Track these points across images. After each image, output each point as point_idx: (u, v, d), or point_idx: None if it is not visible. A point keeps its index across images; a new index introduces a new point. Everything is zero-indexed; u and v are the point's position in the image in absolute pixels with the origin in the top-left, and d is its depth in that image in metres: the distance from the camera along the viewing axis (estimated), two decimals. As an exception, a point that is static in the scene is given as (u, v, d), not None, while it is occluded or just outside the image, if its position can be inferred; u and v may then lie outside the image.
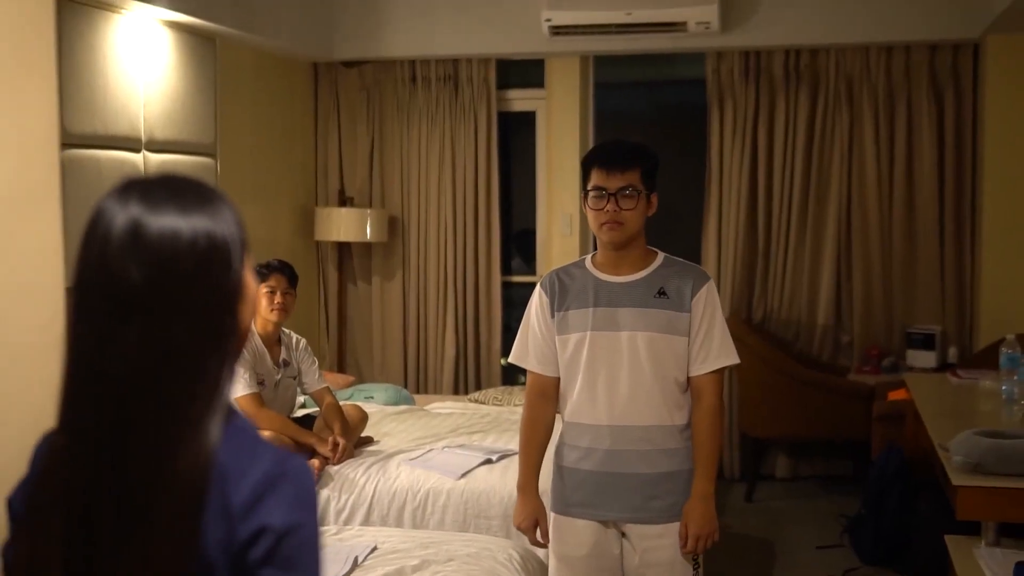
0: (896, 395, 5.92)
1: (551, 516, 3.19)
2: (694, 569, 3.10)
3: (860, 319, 6.82)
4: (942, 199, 6.70)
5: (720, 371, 3.09)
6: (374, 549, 3.64)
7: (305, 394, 5.20)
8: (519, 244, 7.64)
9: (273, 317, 4.85)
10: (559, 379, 3.16)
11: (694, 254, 7.05)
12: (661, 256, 3.16)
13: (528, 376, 3.21)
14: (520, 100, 7.44)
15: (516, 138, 7.56)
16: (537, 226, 7.40)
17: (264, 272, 4.87)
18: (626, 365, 3.05)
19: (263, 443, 1.38)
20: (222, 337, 1.36)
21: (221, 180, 6.07)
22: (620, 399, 3.06)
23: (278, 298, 4.84)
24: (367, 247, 7.47)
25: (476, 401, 6.39)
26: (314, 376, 5.03)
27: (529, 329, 3.19)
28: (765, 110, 6.86)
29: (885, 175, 6.76)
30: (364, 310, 7.56)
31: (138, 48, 5.35)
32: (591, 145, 7.16)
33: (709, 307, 3.07)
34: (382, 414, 5.75)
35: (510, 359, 3.27)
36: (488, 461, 4.75)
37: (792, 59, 6.83)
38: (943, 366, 6.36)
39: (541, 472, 3.22)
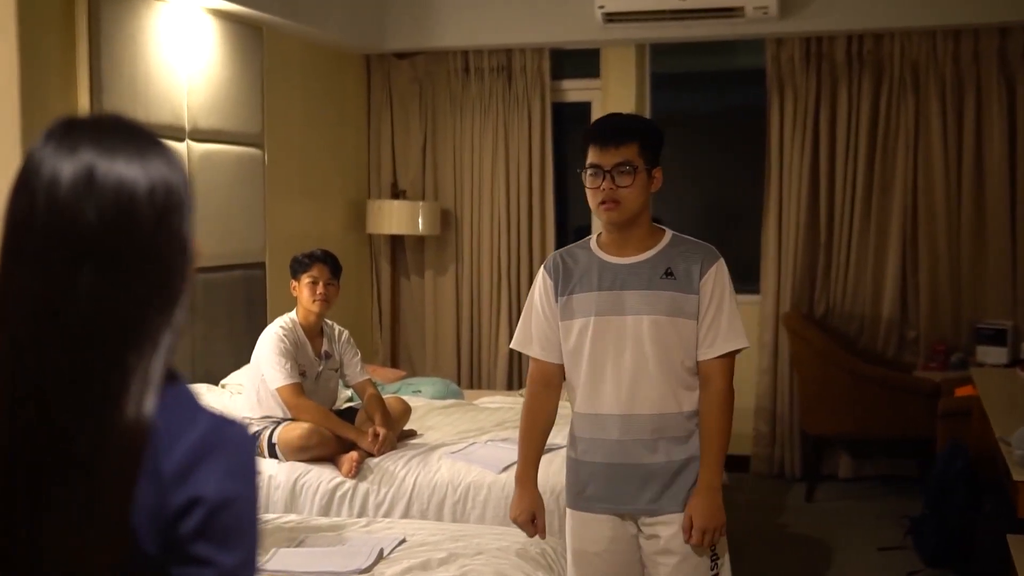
0: (962, 391, 5.69)
1: (567, 512, 3.05)
2: (712, 560, 2.93)
3: (926, 313, 6.57)
4: (1013, 189, 6.44)
5: (730, 355, 2.92)
6: (402, 541, 3.53)
7: (347, 386, 5.11)
8: (577, 240, 7.48)
9: (315, 308, 4.76)
10: (563, 366, 3.01)
11: (754, 248, 6.87)
12: (669, 235, 2.99)
13: (531, 363, 3.06)
14: (575, 91, 7.30)
15: (571, 130, 7.42)
16: (593, 223, 7.24)
17: (306, 262, 4.78)
18: (631, 351, 2.89)
19: (204, 410, 1.27)
20: (173, 293, 1.26)
21: (269, 172, 6.02)
22: (626, 387, 2.91)
23: (320, 289, 4.74)
24: (420, 241, 7.39)
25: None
26: (356, 368, 4.94)
27: (533, 313, 3.04)
28: (827, 99, 6.65)
29: (953, 164, 6.51)
30: (417, 304, 7.48)
31: (182, 36, 5.30)
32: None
33: (718, 288, 2.90)
34: (428, 408, 5.64)
35: (512, 344, 3.12)
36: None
37: (855, 45, 6.61)
38: (1014, 362, 6.10)
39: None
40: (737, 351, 2.93)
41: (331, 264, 4.81)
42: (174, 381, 1.27)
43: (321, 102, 6.86)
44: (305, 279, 4.76)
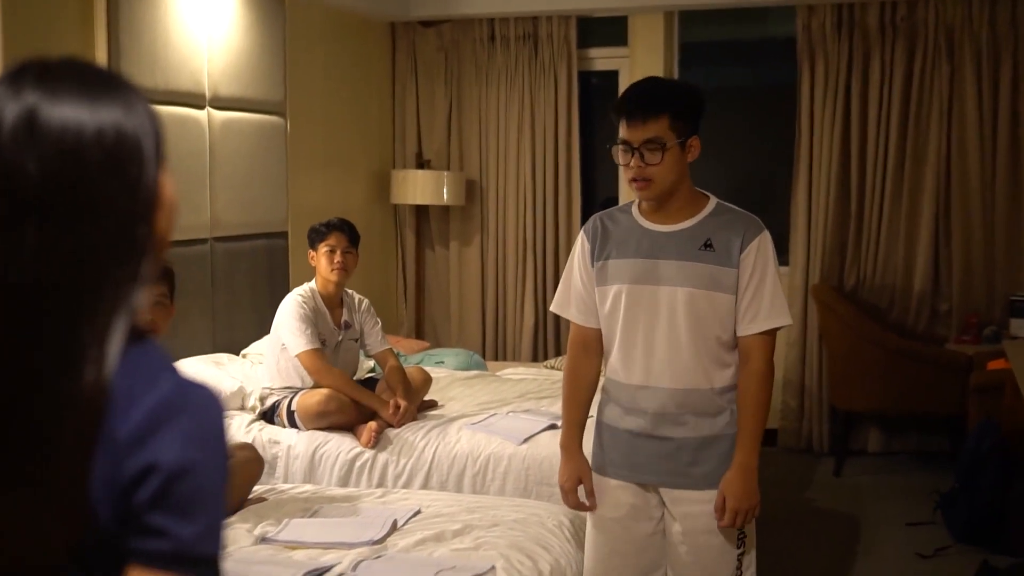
0: (995, 365, 5.58)
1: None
2: (739, 540, 2.85)
3: (959, 286, 6.44)
4: (1050, 159, 6.29)
5: (771, 333, 2.81)
6: (417, 512, 3.47)
7: (368, 356, 5.06)
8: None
9: (333, 277, 4.70)
10: (601, 331, 2.93)
11: (782, 220, 6.75)
12: (712, 202, 2.88)
13: (571, 328, 2.98)
14: (602, 59, 7.20)
15: (598, 99, 7.32)
16: (620, 194, 7.14)
17: (323, 231, 4.74)
18: (664, 323, 2.80)
19: (169, 371, 1.18)
20: (132, 246, 1.18)
21: (291, 140, 5.95)
22: (657, 359, 2.82)
23: (338, 257, 4.70)
24: (445, 211, 7.32)
25: (552, 367, 6.19)
26: (377, 338, 4.89)
27: (571, 277, 2.96)
28: (859, 66, 6.51)
29: (988, 133, 6.35)
30: (442, 276, 7.42)
31: (202, 2, 5.24)
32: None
33: (760, 262, 2.78)
34: (451, 379, 5.58)
35: (552, 307, 3.06)
36: (553, 426, 4.55)
37: (888, 11, 6.46)
38: (1049, 336, 5.97)
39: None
40: (778, 328, 2.83)
41: (349, 232, 4.75)
42: (141, 341, 1.20)
43: (345, 70, 6.79)
44: (323, 248, 4.72)
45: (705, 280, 2.78)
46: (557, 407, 4.92)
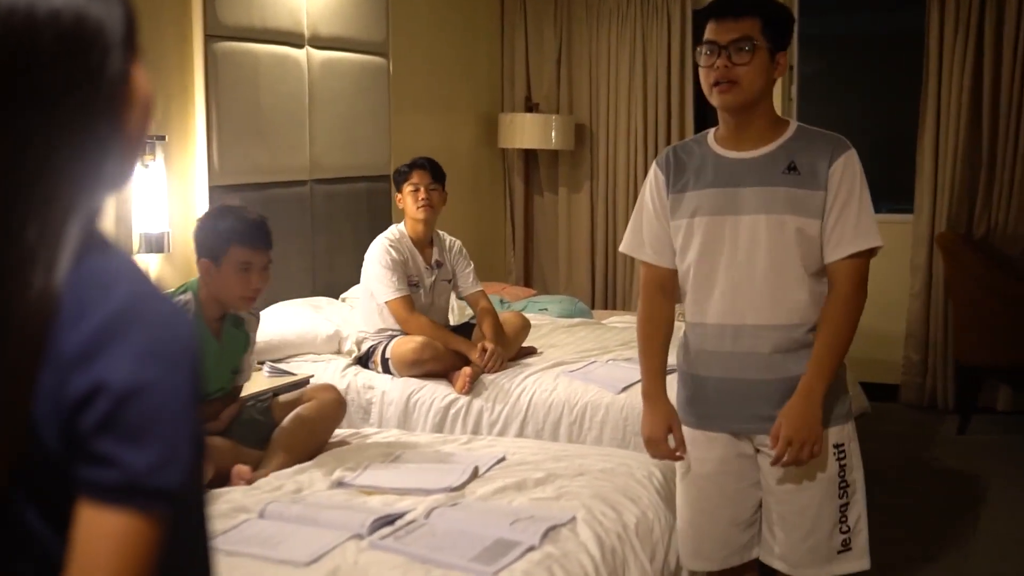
0: None
1: None
2: (841, 490, 2.63)
3: (1098, 235, 6.03)
4: None
5: (860, 256, 2.58)
6: (501, 460, 3.33)
7: (459, 298, 4.94)
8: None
9: (420, 215, 4.61)
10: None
11: (906, 166, 6.40)
12: (794, 126, 2.67)
13: (642, 268, 2.78)
14: (718, -3, 6.89)
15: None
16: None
17: (406, 170, 4.69)
18: (746, 255, 2.60)
19: (127, 281, 1.05)
20: (93, 142, 1.05)
21: (394, 82, 5.83)
22: (742, 294, 2.61)
23: (422, 194, 4.61)
24: (554, 156, 7.14)
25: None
26: (469, 279, 4.78)
27: (643, 214, 2.76)
28: (992, 10, 6.07)
29: None
30: (550, 222, 7.25)
31: (300, -62, 5.13)
32: (795, 42, 6.56)
33: (847, 181, 2.56)
34: (553, 326, 5.43)
35: (622, 248, 2.86)
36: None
37: (1026, -58, 6.03)
38: None
39: None
40: (869, 252, 2.60)
41: (432, 169, 4.67)
42: (101, 249, 1.06)
43: (451, 10, 6.64)
44: (407, 188, 4.65)
45: (790, 205, 2.57)
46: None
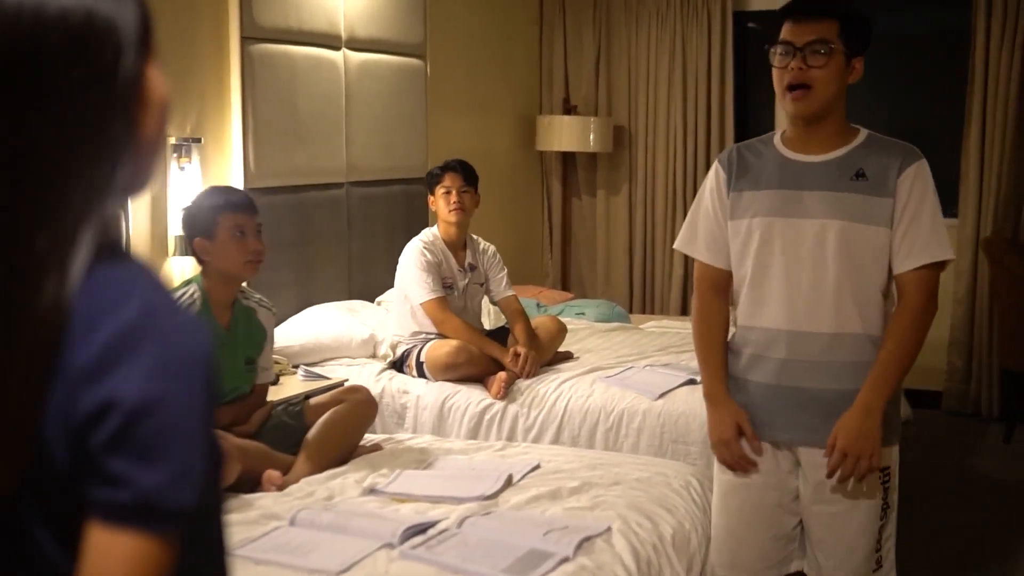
0: None
1: None
2: (882, 511, 2.56)
3: None
4: None
5: (930, 268, 2.51)
6: (536, 467, 3.29)
7: (492, 303, 4.91)
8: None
9: (452, 218, 4.58)
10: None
11: (950, 169, 6.29)
12: (864, 133, 2.60)
13: (696, 267, 2.71)
14: (759, -1, 6.83)
15: (754, 42, 6.95)
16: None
17: (438, 173, 4.67)
18: (807, 260, 2.53)
19: (142, 293, 1.01)
20: (105, 144, 1.01)
21: (432, 84, 5.80)
22: (800, 300, 2.54)
23: (454, 197, 4.58)
24: (592, 158, 7.08)
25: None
26: (501, 284, 4.75)
27: (701, 210, 2.69)
28: (1041, 4, 5.98)
29: None
30: (588, 225, 7.20)
31: (337, -60, 5.11)
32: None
33: (917, 190, 2.49)
34: (590, 330, 5.38)
35: (675, 245, 2.79)
36: (691, 381, 4.29)
37: (1075, -60, 5.91)
38: None
39: None
40: (940, 264, 2.53)
41: (464, 171, 4.64)
42: (116, 258, 1.03)
43: (489, 12, 6.60)
44: (439, 190, 4.62)
45: (858, 212, 2.50)
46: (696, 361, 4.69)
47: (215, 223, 3.28)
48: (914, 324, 2.50)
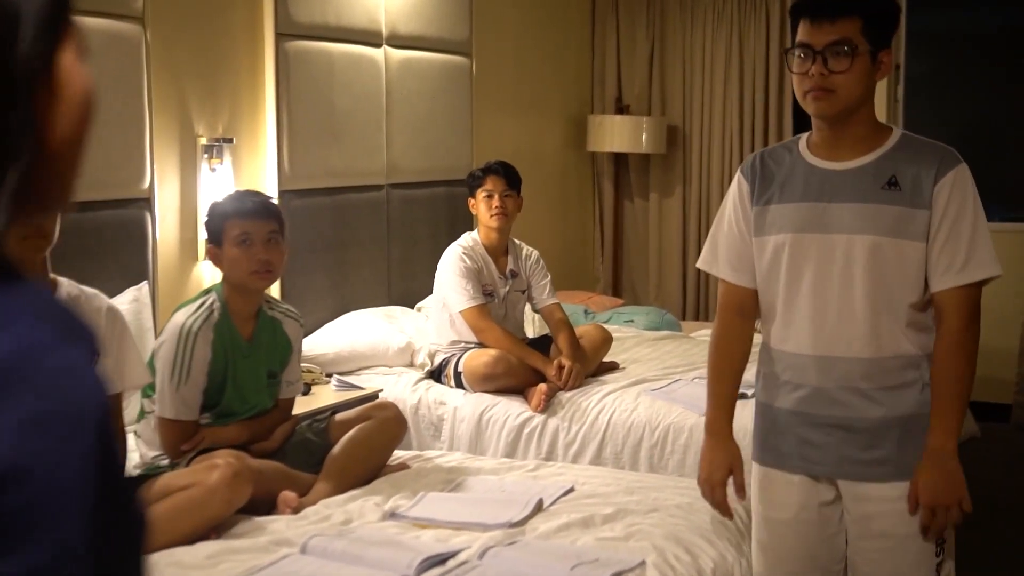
0: None
1: (752, 467, 2.52)
2: (938, 546, 2.33)
3: None
4: None
5: (972, 287, 2.29)
6: (569, 491, 3.08)
7: (534, 310, 4.71)
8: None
9: (494, 223, 4.40)
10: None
11: (1020, 171, 6.00)
12: (897, 134, 2.37)
13: (720, 286, 2.51)
14: (820, -7, 6.56)
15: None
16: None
17: (479, 175, 4.49)
18: (838, 278, 2.31)
19: (20, 321, 0.80)
20: None
21: (477, 82, 5.62)
22: (829, 322, 2.32)
23: (496, 201, 4.40)
24: (645, 159, 6.86)
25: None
26: (544, 291, 4.55)
27: (724, 226, 2.48)
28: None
29: None
30: (641, 229, 6.98)
31: (378, -67, 4.94)
32: (902, 40, 6.20)
33: (956, 199, 2.26)
34: (639, 339, 5.16)
35: (698, 263, 2.59)
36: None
37: None
38: None
39: None
40: (983, 282, 2.31)
41: (507, 174, 4.46)
42: (6, 280, 0.83)
43: (538, 8, 6.40)
44: (481, 194, 4.45)
45: (892, 225, 2.27)
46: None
47: (222, 230, 3.15)
48: (960, 350, 2.29)
